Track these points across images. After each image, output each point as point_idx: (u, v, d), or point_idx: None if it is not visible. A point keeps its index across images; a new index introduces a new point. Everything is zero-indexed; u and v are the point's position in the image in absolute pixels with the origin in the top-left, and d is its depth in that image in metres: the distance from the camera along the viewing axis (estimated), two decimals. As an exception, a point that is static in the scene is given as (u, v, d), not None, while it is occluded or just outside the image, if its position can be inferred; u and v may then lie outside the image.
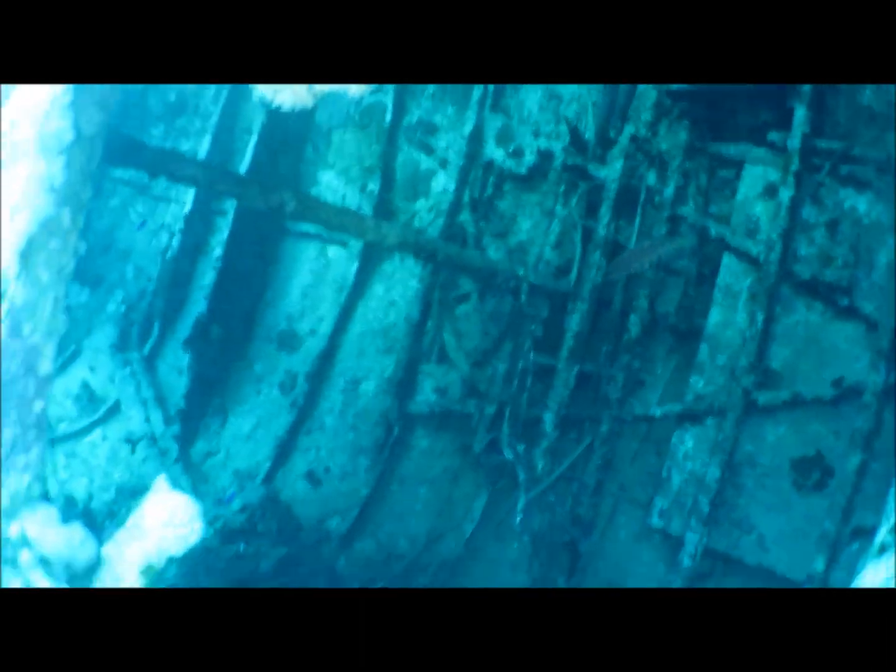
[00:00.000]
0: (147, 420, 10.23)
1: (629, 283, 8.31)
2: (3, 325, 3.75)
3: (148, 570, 4.28)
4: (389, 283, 10.59)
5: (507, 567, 9.50)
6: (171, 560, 4.37)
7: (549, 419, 8.33)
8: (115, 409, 10.46)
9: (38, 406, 4.09)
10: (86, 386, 10.64)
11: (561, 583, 8.95)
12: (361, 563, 10.08)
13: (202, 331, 10.16)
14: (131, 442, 11.07)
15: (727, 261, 8.01)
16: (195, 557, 10.11)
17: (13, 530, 4.05)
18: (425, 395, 10.14)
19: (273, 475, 10.01)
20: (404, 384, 10.22)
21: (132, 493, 10.51)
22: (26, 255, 3.79)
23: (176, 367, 10.40)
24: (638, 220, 8.30)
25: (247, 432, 10.11)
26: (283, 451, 9.79)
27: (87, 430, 10.52)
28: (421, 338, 10.19)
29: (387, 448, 10.14)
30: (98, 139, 4.04)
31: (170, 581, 10.50)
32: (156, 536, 4.30)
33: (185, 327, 10.28)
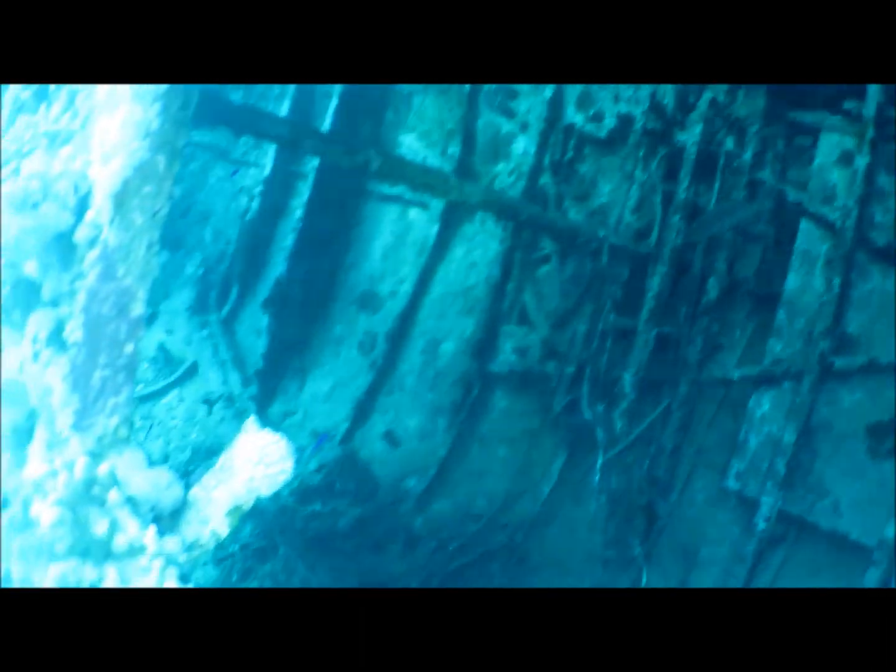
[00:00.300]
0: (225, 381, 10.63)
1: (709, 246, 8.47)
2: (96, 268, 3.95)
3: (235, 511, 4.58)
4: (470, 245, 10.73)
5: (584, 528, 9.68)
6: (259, 500, 4.62)
7: (627, 380, 8.61)
8: (192, 371, 10.81)
9: (128, 348, 4.25)
10: (162, 348, 11.04)
11: (636, 545, 9.22)
12: (438, 522, 10.27)
13: (281, 293, 10.38)
14: (208, 403, 11.47)
15: (804, 226, 8.23)
16: (271, 516, 10.56)
17: (102, 469, 4.41)
18: (505, 356, 10.37)
19: (351, 435, 10.18)
20: (484, 345, 10.46)
21: (208, 454, 10.79)
22: (121, 199, 3.95)
23: (254, 328, 10.62)
24: (717, 184, 8.42)
25: (325, 393, 10.27)
26: (362, 412, 9.97)
27: (163, 391, 10.87)
28: (501, 299, 10.38)
29: (465, 408, 10.31)
30: (193, 89, 4.11)
31: (245, 539, 11.01)
32: (245, 476, 4.57)
33: (264, 289, 10.39)
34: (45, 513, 4.13)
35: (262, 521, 10.14)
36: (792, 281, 7.92)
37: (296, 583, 9.52)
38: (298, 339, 11.35)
